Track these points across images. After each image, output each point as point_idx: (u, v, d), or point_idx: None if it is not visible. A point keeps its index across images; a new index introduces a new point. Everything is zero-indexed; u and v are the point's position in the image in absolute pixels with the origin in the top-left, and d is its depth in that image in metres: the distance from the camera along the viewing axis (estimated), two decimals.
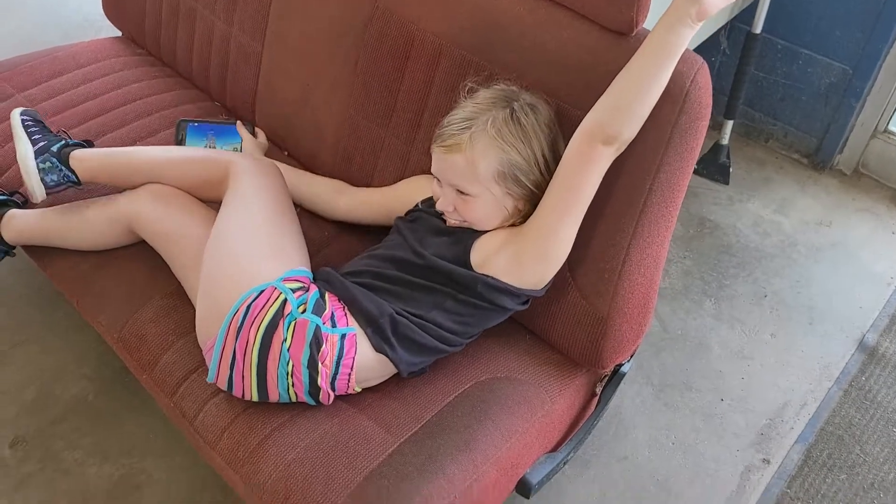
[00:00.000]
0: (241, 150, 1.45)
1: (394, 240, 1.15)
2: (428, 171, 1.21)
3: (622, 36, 1.06)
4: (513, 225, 1.08)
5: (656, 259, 1.12)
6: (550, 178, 1.04)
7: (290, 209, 1.18)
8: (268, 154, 1.47)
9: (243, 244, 1.08)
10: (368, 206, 1.31)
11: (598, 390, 1.29)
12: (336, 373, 1.02)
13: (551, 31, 1.12)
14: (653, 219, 1.07)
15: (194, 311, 1.17)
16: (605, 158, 0.99)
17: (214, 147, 1.46)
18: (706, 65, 1.02)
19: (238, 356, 1.01)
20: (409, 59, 1.26)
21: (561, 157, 1.04)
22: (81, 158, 1.23)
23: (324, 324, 1.01)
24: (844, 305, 1.78)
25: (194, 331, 1.14)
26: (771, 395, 1.58)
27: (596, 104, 0.99)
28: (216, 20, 1.59)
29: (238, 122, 1.50)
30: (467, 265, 1.05)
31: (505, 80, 1.11)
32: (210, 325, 1.05)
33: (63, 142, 1.26)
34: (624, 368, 1.27)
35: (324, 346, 1.00)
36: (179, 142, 1.46)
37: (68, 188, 1.24)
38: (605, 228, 1.09)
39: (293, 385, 1.02)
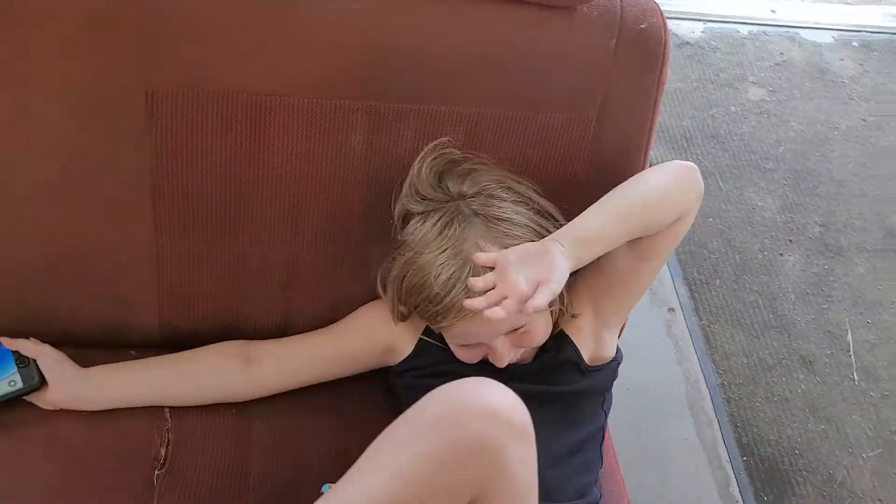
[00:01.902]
0: (23, 382, 0.90)
1: None
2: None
3: (569, 10, 0.87)
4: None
5: None
6: (546, 211, 0.89)
7: None
8: None
9: None
10: (317, 362, 0.97)
11: None
12: None
13: (474, 28, 0.88)
14: None
15: None
16: None
17: None
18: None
19: None
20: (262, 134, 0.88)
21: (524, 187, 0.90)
22: None
23: None
24: None
25: None
26: None
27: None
28: None
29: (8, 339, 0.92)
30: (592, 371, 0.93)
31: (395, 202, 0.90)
32: None
33: None
34: None
35: None
36: None
37: None
38: None
39: None
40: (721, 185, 1.84)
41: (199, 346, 0.98)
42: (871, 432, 1.51)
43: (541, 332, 0.88)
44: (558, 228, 0.84)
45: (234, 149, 0.88)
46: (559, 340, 0.91)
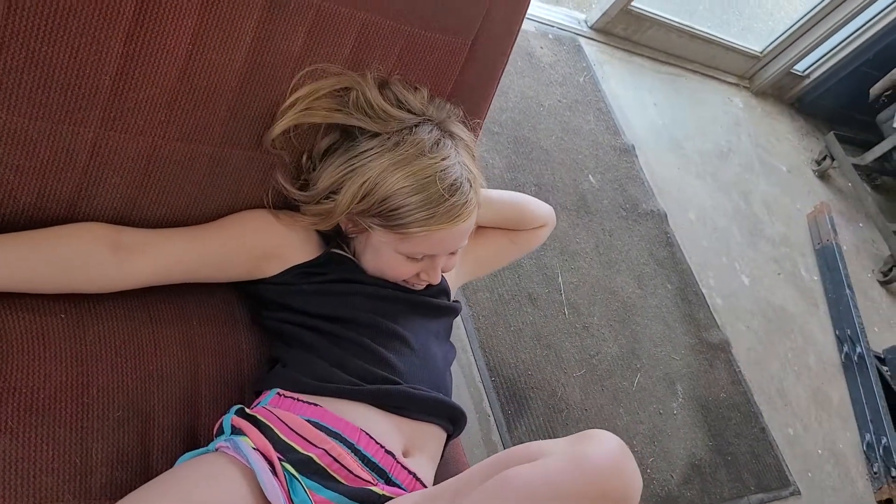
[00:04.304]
0: None
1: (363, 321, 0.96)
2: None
3: None
4: None
5: None
6: None
7: None
8: None
9: None
10: (194, 260, 0.92)
11: None
12: None
13: None
14: None
15: None
16: None
17: None
18: None
19: None
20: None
21: None
22: None
23: None
24: None
25: None
26: None
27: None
28: None
29: None
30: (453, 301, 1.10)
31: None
32: None
33: None
34: None
35: None
36: None
37: None
38: None
39: None
40: None
41: None
42: (578, 356, 1.86)
43: (456, 262, 1.02)
44: None
45: (114, 15, 0.79)
46: None
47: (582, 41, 2.79)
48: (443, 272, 0.99)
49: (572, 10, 2.95)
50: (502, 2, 1.01)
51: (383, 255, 0.95)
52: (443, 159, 0.90)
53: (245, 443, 0.79)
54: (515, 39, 1.06)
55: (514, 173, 2.11)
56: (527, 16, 2.71)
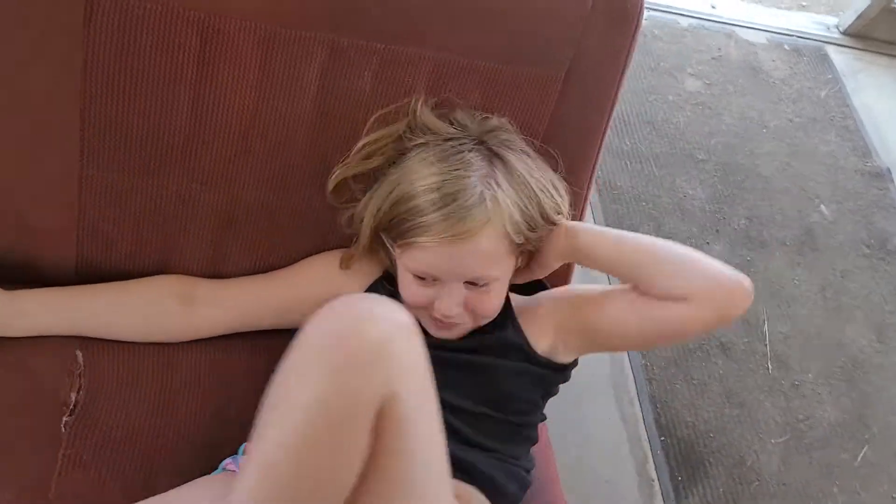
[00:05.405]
0: None
1: None
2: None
3: None
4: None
5: None
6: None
7: None
8: None
9: None
10: (262, 309, 0.94)
11: None
12: None
13: None
14: None
15: None
16: None
17: None
18: None
19: None
20: (206, 61, 0.82)
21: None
22: None
23: None
24: None
25: None
26: None
27: None
28: None
29: None
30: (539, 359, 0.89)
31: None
32: None
33: None
34: None
35: None
36: None
37: None
38: None
39: None
40: (655, 171, 1.88)
41: None
42: (780, 419, 1.58)
43: (496, 302, 0.87)
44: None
45: (178, 74, 0.83)
46: (504, 321, 0.90)
47: (829, 49, 2.42)
48: (477, 312, 0.86)
49: (820, 14, 2.58)
50: (600, 25, 0.88)
51: (401, 280, 0.87)
52: (456, 169, 0.81)
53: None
54: (626, 65, 0.92)
55: (717, 205, 1.87)
56: (756, 27, 2.42)
